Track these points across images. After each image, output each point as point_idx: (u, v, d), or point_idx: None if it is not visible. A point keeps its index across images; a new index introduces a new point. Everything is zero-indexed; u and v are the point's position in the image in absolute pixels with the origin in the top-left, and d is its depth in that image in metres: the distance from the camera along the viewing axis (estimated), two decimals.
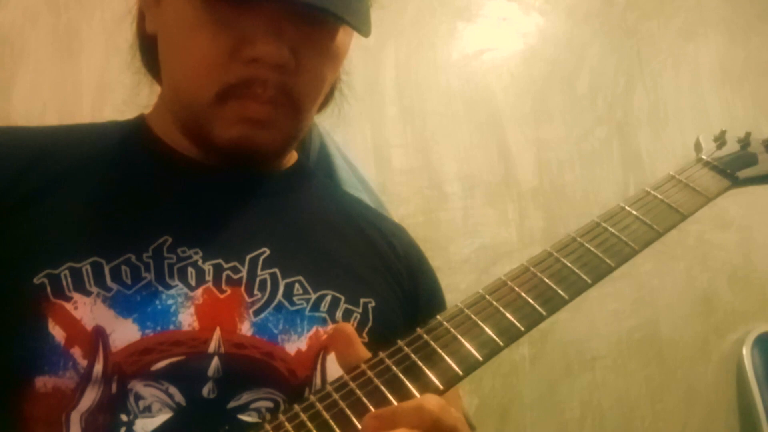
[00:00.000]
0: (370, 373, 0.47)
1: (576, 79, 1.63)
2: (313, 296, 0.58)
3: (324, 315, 0.58)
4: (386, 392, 0.45)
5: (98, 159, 0.61)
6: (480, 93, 1.55)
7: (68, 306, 0.50)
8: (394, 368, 0.47)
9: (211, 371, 0.51)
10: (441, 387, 0.46)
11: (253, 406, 0.52)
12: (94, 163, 0.61)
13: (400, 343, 0.49)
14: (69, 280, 0.51)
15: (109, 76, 1.24)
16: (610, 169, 1.59)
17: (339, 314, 0.59)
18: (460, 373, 0.47)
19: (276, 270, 0.58)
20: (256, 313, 0.55)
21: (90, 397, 0.48)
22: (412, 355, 0.48)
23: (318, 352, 0.56)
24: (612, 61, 1.68)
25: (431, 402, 0.43)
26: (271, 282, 0.57)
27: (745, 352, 1.51)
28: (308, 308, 0.58)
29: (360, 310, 0.60)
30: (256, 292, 0.56)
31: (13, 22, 1.23)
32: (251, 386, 0.52)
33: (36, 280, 0.51)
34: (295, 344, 0.55)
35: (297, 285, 0.58)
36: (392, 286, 0.65)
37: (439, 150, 1.47)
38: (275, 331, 0.55)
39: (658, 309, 1.54)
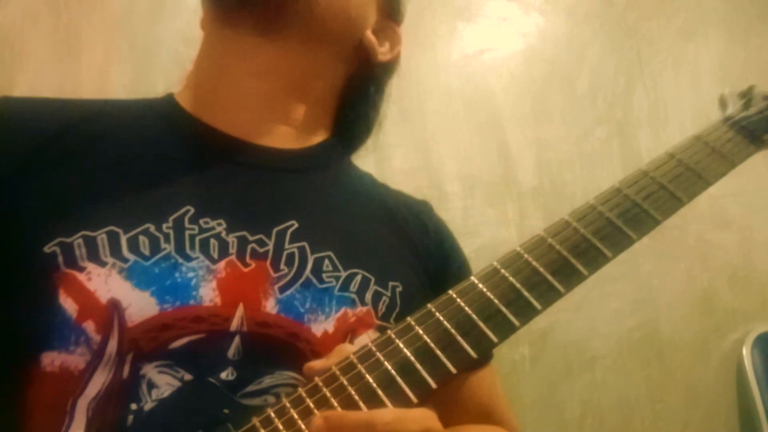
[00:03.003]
0: (378, 354, 0.46)
1: (576, 79, 1.63)
2: (343, 274, 0.56)
3: (353, 296, 0.56)
4: (396, 374, 0.44)
5: (124, 130, 0.59)
6: (480, 93, 1.54)
7: (81, 277, 0.48)
8: (405, 350, 0.46)
9: (231, 352, 0.49)
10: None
11: (273, 391, 0.50)
12: (120, 134, 0.59)
13: (409, 319, 0.47)
14: (83, 249, 0.49)
15: (109, 76, 1.24)
16: (610, 169, 1.59)
17: (368, 296, 0.57)
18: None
19: (305, 244, 0.56)
20: (282, 289, 0.53)
21: (99, 380, 0.46)
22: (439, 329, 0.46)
23: (345, 335, 0.54)
24: (612, 61, 1.68)
25: (383, 419, 0.41)
26: (299, 256, 0.55)
27: (745, 352, 1.51)
28: (337, 287, 0.55)
29: (389, 293, 0.58)
30: (282, 266, 0.54)
31: (13, 22, 1.23)
32: (272, 369, 0.50)
33: (47, 249, 0.48)
34: (322, 325, 0.53)
35: (326, 261, 0.56)
36: (417, 270, 0.63)
37: (439, 150, 1.47)
38: (301, 310, 0.53)
39: (658, 309, 1.54)
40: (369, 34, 0.68)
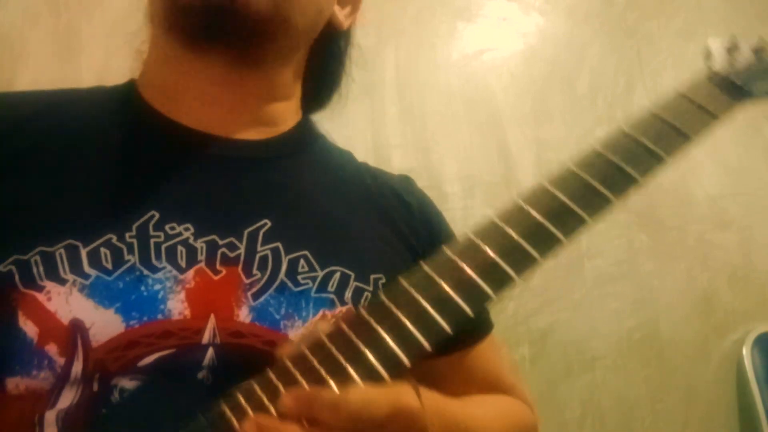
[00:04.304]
0: (349, 332, 0.43)
1: (576, 79, 1.63)
2: (320, 274, 0.53)
3: (332, 296, 0.53)
4: (367, 351, 0.42)
5: (79, 129, 0.55)
6: (480, 93, 1.54)
7: (40, 297, 0.45)
8: (372, 324, 0.43)
9: (205, 363, 0.47)
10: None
11: None
12: (75, 133, 0.55)
13: (381, 294, 0.45)
14: (40, 266, 0.46)
15: (109, 76, 1.24)
16: None
17: (348, 294, 0.54)
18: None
19: (278, 244, 0.53)
20: (256, 296, 0.50)
21: (68, 396, 0.44)
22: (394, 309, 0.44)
23: None
24: (612, 61, 1.68)
25: (350, 401, 0.39)
26: (273, 259, 0.52)
27: (745, 352, 1.51)
28: (314, 288, 0.53)
29: (371, 288, 0.55)
30: (255, 271, 0.51)
31: (13, 22, 1.23)
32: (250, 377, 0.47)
33: (2, 268, 0.45)
34: (300, 331, 0.51)
35: (302, 261, 0.53)
36: (403, 255, 0.60)
37: (439, 150, 1.47)
38: (277, 317, 0.50)
39: (658, 309, 1.54)
40: (336, 10, 0.65)
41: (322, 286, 0.53)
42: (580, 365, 1.46)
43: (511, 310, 1.42)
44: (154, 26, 0.61)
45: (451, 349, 0.63)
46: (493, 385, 0.65)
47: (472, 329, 0.65)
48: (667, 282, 1.56)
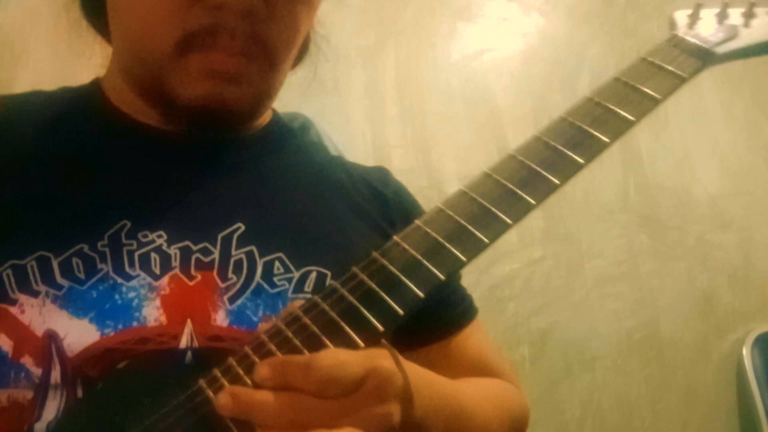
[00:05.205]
0: (323, 304, 0.44)
1: (576, 79, 1.63)
2: (296, 274, 0.52)
3: (309, 296, 0.51)
4: (340, 320, 0.42)
5: (45, 135, 0.54)
6: (480, 93, 1.54)
7: (14, 310, 0.45)
8: (347, 297, 0.44)
9: (186, 362, 0.47)
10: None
11: None
12: (41, 140, 0.54)
13: (354, 268, 0.46)
14: (12, 280, 0.46)
15: None
16: (610, 169, 1.59)
17: None
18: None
19: (252, 248, 0.52)
20: (232, 299, 0.49)
21: (53, 406, 0.43)
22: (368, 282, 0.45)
23: None
24: (612, 61, 1.68)
25: (322, 361, 0.38)
26: (248, 262, 0.51)
27: (745, 352, 1.51)
28: (291, 289, 0.52)
29: None
30: (230, 275, 0.50)
31: (13, 22, 1.23)
32: None
33: None
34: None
35: (277, 263, 0.52)
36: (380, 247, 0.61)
37: (439, 150, 1.47)
38: (254, 319, 0.49)
39: (658, 309, 1.54)
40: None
41: (299, 287, 0.52)
42: (580, 365, 1.46)
43: (511, 311, 1.42)
44: (124, 69, 0.59)
45: (437, 337, 0.63)
46: (481, 370, 0.65)
47: (456, 315, 0.65)
48: (667, 282, 1.56)
